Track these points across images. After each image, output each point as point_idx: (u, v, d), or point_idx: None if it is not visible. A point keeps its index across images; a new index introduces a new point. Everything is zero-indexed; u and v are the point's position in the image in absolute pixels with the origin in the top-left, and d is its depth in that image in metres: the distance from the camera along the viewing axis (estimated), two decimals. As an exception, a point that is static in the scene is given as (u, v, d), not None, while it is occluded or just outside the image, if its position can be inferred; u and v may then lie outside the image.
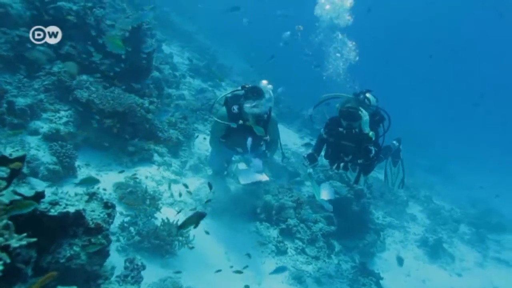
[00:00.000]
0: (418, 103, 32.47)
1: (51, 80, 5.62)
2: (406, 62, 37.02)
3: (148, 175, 5.77)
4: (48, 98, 5.51)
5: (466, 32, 37.35)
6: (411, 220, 9.97)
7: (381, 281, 6.10)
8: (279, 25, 14.14)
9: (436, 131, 26.63)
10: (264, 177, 5.60)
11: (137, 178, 5.48)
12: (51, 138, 4.97)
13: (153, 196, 5.02)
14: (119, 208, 4.64)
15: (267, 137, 5.49)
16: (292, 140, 11.50)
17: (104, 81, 6.13)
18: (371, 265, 6.65)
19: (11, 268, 1.96)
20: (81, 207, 2.71)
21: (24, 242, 1.82)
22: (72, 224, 2.66)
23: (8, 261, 1.71)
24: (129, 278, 3.44)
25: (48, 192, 2.70)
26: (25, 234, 1.86)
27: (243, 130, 5.19)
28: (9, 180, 2.39)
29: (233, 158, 6.12)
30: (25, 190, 2.36)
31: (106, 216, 2.87)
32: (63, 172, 4.66)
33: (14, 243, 1.78)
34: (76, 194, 3.04)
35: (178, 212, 4.97)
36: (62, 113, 5.50)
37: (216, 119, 5.34)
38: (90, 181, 3.68)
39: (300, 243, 6.11)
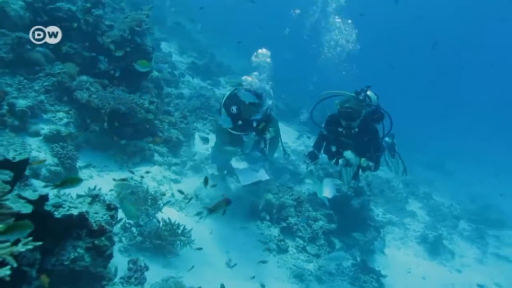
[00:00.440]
0: (415, 99, 32.49)
1: (51, 81, 5.63)
2: (403, 58, 37.00)
3: (149, 175, 5.79)
4: (49, 99, 5.52)
5: (463, 30, 37.36)
6: (411, 217, 10.00)
7: (381, 278, 6.13)
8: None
9: (434, 127, 26.67)
10: (264, 176, 5.62)
11: (138, 178, 5.50)
12: (52, 139, 4.99)
13: (154, 196, 5.04)
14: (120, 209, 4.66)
15: (268, 136, 5.52)
16: (291, 138, 11.51)
17: (103, 81, 6.15)
18: (371, 262, 6.67)
19: (16, 271, 1.98)
20: (84, 209, 2.73)
21: (30, 247, 1.84)
22: (75, 226, 2.69)
23: (15, 265, 1.73)
24: (132, 279, 3.47)
25: (51, 194, 2.72)
26: (30, 238, 1.88)
27: (244, 130, 5.21)
28: (13, 183, 2.40)
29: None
30: (29, 194, 2.38)
31: (109, 218, 2.89)
32: (64, 174, 4.68)
33: (21, 247, 1.80)
34: (78, 196, 3.06)
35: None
36: (63, 114, 5.52)
37: (224, 126, 5.35)
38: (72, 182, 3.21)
39: (301, 241, 6.14)
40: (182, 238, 4.62)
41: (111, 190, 5.03)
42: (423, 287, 6.96)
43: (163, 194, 5.47)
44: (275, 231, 6.08)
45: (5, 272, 1.67)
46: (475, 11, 34.97)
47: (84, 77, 5.99)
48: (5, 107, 4.79)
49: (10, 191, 2.26)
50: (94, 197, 2.99)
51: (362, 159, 4.97)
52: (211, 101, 9.57)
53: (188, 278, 4.26)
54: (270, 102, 5.29)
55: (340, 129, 4.95)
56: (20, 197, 2.28)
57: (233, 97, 5.37)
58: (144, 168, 5.90)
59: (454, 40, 36.86)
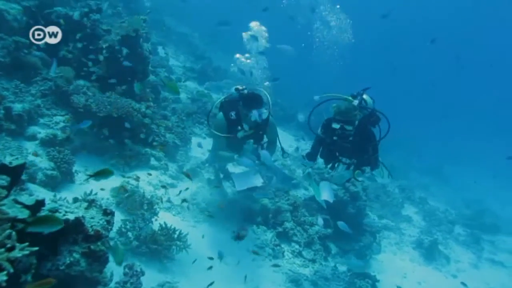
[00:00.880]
0: (411, 104, 32.63)
1: (47, 85, 5.63)
2: (402, 58, 37.15)
3: (145, 180, 5.79)
4: (45, 103, 5.52)
5: (462, 33, 37.59)
6: (407, 222, 10.03)
7: (377, 284, 6.15)
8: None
9: (431, 128, 26.80)
10: (259, 182, 5.62)
11: (134, 183, 5.50)
12: (48, 143, 4.98)
13: (150, 200, 5.04)
14: (117, 213, 4.65)
15: (265, 140, 5.55)
16: (288, 143, 11.53)
17: (100, 85, 6.16)
18: (367, 268, 6.69)
19: (12, 276, 1.98)
20: (80, 214, 2.74)
21: (26, 252, 1.84)
22: (72, 231, 2.69)
23: (12, 270, 1.74)
24: (128, 284, 3.46)
25: (48, 199, 2.73)
26: (27, 244, 1.89)
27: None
28: (9, 188, 2.41)
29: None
30: (26, 199, 2.38)
31: (105, 223, 2.90)
32: (61, 178, 4.67)
33: (17, 253, 1.81)
34: (75, 201, 3.06)
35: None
36: (59, 118, 5.51)
37: (216, 132, 5.36)
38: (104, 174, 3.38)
39: (297, 246, 6.15)
40: (178, 242, 4.62)
41: (106, 193, 5.02)
42: (418, 292, 6.98)
43: (160, 199, 5.46)
44: (271, 236, 6.08)
45: (1, 277, 1.67)
46: (475, 11, 35.15)
47: (81, 81, 6.00)
48: (2, 111, 4.79)
49: (6, 196, 2.27)
50: (91, 202, 3.00)
51: (356, 172, 5.02)
52: (208, 106, 9.59)
53: (184, 283, 4.26)
54: (265, 110, 5.29)
55: (335, 138, 4.97)
56: (17, 202, 2.29)
57: (232, 103, 5.38)
58: (140, 173, 5.90)
59: (454, 40, 37.09)
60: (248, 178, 5.60)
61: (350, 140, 4.96)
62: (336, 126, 4.85)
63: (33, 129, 5.10)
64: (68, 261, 2.61)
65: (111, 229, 3.00)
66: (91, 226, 2.78)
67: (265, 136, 5.67)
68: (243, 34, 5.22)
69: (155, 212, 4.87)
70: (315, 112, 5.06)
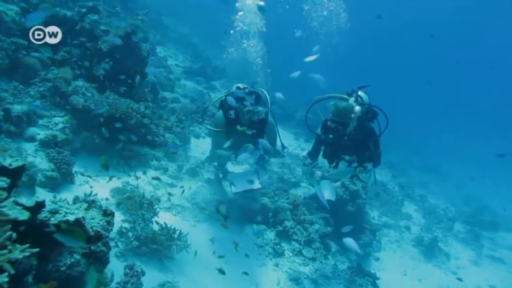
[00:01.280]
0: (410, 101, 32.64)
1: (46, 86, 5.63)
2: (399, 61, 37.20)
3: (145, 180, 5.80)
4: (44, 105, 5.52)
5: (461, 32, 37.60)
6: (407, 219, 10.05)
7: (377, 281, 6.16)
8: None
9: (430, 127, 26.83)
10: (256, 185, 5.62)
11: (134, 183, 5.51)
12: (47, 144, 4.99)
13: (150, 201, 5.05)
14: (117, 214, 4.66)
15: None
16: (287, 141, 11.53)
17: (99, 86, 6.16)
18: (367, 265, 6.71)
19: (13, 277, 1.99)
20: (80, 215, 2.74)
21: (27, 253, 1.85)
22: (72, 232, 2.69)
23: (13, 272, 1.74)
24: (129, 285, 3.47)
25: (48, 200, 2.73)
26: (27, 245, 1.89)
27: (242, 135, 5.22)
28: (9, 190, 2.41)
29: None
30: (26, 200, 2.39)
31: (105, 223, 2.90)
32: (60, 179, 4.68)
33: (18, 254, 1.81)
34: (75, 202, 3.07)
35: None
36: (58, 119, 5.51)
37: (213, 128, 5.38)
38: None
39: (297, 245, 6.16)
40: (178, 242, 4.63)
41: (106, 194, 5.03)
42: (418, 290, 7.00)
43: (159, 199, 5.47)
44: (271, 235, 6.09)
45: (2, 279, 1.68)
46: (475, 11, 35.16)
47: (79, 82, 6.00)
48: (1, 112, 4.79)
49: (6, 198, 2.27)
50: (91, 203, 3.00)
51: (358, 169, 5.02)
52: (206, 111, 9.58)
53: (184, 283, 4.27)
54: (261, 108, 5.30)
55: (332, 132, 4.98)
56: (17, 203, 2.29)
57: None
58: (140, 173, 5.91)
59: (453, 40, 37.11)
60: (246, 181, 5.60)
61: (346, 139, 4.97)
62: (331, 125, 4.88)
63: (32, 130, 5.10)
64: (69, 262, 2.62)
65: (111, 229, 3.00)
66: (92, 227, 2.78)
67: (264, 136, 5.68)
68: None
69: (155, 212, 4.88)
70: (312, 111, 5.07)
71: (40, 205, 2.48)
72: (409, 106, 29.84)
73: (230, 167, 6.90)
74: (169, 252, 4.56)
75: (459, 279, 6.96)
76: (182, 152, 7.15)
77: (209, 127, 5.50)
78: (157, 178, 5.69)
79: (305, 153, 5.57)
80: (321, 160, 5.86)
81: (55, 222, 2.57)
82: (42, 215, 2.53)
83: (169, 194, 5.79)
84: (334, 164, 5.43)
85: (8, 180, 2.42)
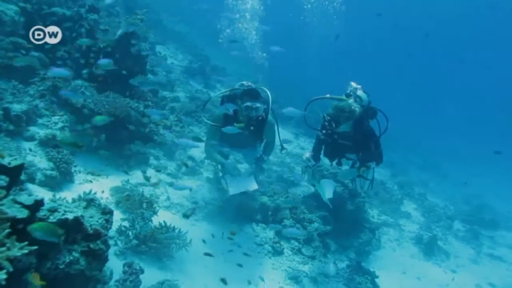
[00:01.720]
0: (410, 100, 32.69)
1: (46, 85, 5.64)
2: (397, 60, 37.20)
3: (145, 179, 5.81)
4: (44, 104, 5.53)
5: (460, 28, 37.60)
6: (406, 218, 10.06)
7: (376, 280, 6.17)
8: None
9: (428, 128, 26.85)
10: (253, 186, 5.62)
11: (133, 182, 5.52)
12: (47, 143, 5.00)
13: (149, 199, 5.06)
14: (116, 212, 4.67)
15: (263, 140, 5.57)
16: (286, 140, 11.54)
17: (98, 85, 6.17)
18: (366, 264, 6.71)
19: (12, 275, 2.00)
20: (79, 213, 2.75)
21: (25, 251, 1.86)
22: (71, 231, 2.71)
23: (11, 269, 1.76)
24: (127, 282, 3.48)
25: (47, 198, 2.75)
26: (26, 243, 1.91)
27: (239, 133, 5.23)
28: (8, 188, 2.43)
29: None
30: (25, 198, 2.40)
31: (104, 222, 2.92)
32: (60, 178, 4.69)
33: (16, 252, 1.83)
34: (74, 200, 3.08)
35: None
36: (58, 118, 5.53)
37: (210, 122, 5.40)
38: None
39: (296, 243, 6.17)
40: (177, 241, 4.64)
41: (106, 192, 5.05)
42: (418, 288, 7.01)
43: (158, 198, 5.49)
44: (270, 233, 6.11)
45: (1, 276, 1.69)
46: (476, 11, 35.23)
47: (79, 81, 6.00)
48: (0, 112, 4.80)
49: (5, 196, 2.29)
50: (89, 201, 3.02)
51: (362, 169, 5.05)
52: (206, 104, 9.57)
53: (184, 281, 4.28)
54: (259, 105, 5.30)
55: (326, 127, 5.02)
56: (16, 202, 2.31)
57: (231, 98, 5.42)
58: (139, 171, 5.92)
59: (453, 40, 37.14)
60: (242, 182, 5.60)
61: (350, 137, 5.00)
62: (326, 119, 4.92)
63: (32, 129, 5.12)
64: (68, 260, 2.63)
65: (110, 227, 3.02)
66: (90, 225, 2.80)
67: (263, 136, 5.70)
68: None
69: (154, 210, 4.89)
70: (310, 109, 5.10)
71: (39, 204, 2.49)
72: (409, 105, 29.89)
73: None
74: (169, 251, 4.57)
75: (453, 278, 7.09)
76: (182, 151, 7.16)
77: (206, 120, 5.52)
78: (155, 179, 5.71)
79: (308, 154, 5.59)
80: (321, 159, 5.90)
81: (54, 220, 2.59)
82: (41, 213, 2.55)
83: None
84: (336, 161, 5.47)
85: (7, 179, 2.44)
